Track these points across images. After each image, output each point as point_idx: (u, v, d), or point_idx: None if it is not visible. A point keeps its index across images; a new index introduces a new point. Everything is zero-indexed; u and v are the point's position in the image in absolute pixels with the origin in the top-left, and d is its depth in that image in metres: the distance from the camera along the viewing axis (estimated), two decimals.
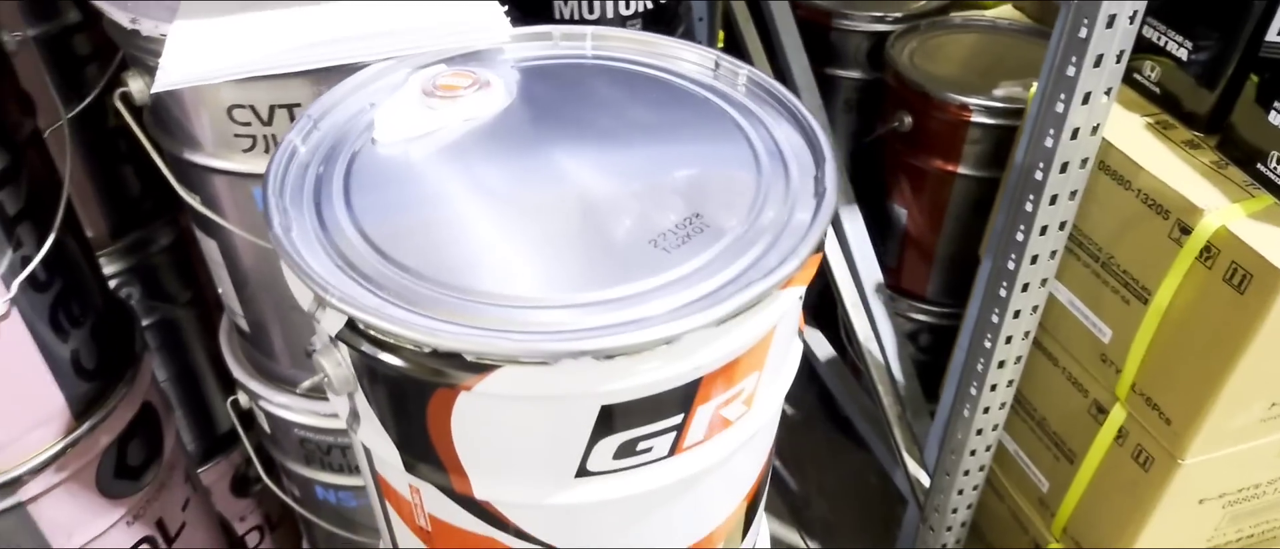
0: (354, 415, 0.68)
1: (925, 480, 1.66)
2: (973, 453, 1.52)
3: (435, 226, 0.65)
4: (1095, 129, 1.16)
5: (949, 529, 1.64)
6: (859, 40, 1.96)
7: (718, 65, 0.79)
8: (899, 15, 1.92)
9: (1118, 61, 1.10)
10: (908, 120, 1.74)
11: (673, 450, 0.64)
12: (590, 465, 0.62)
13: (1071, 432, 1.47)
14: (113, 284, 1.41)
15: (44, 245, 1.02)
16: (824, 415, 2.29)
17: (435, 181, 0.69)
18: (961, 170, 1.71)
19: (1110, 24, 1.06)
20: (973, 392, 1.45)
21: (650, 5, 1.78)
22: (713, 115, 0.74)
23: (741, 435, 0.67)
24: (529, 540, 0.68)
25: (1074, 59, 1.10)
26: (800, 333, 0.73)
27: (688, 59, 0.81)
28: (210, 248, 1.10)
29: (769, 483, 0.86)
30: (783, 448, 2.26)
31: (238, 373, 1.21)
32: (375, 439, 0.67)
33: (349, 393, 0.65)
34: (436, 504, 0.68)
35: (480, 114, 0.75)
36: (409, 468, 0.66)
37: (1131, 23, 1.07)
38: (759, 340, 0.62)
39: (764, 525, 0.99)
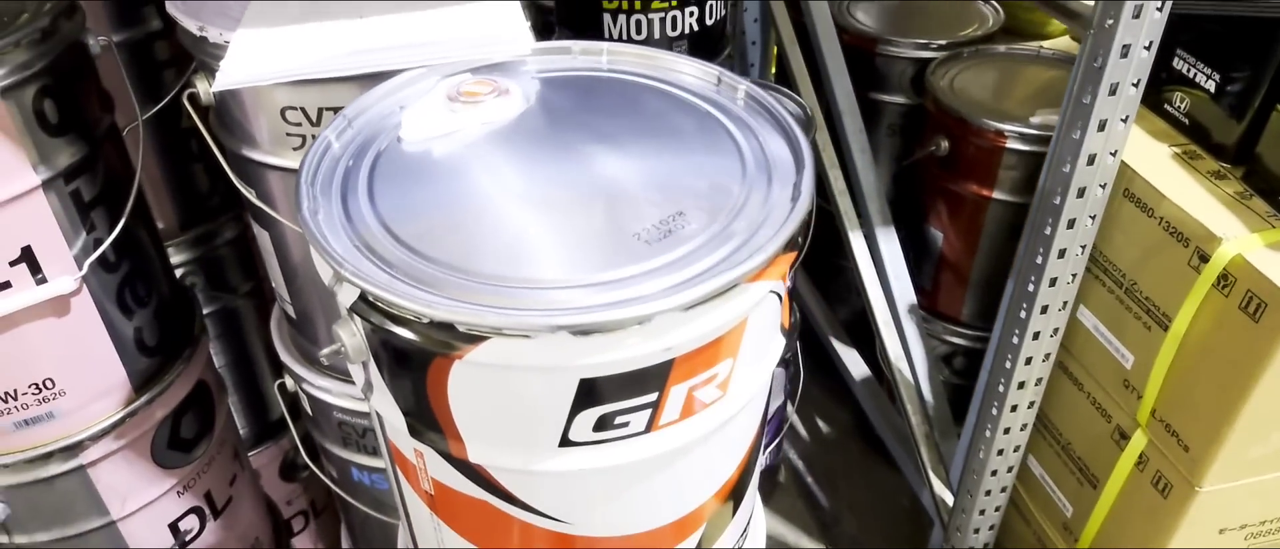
0: (368, 385, 0.75)
1: (950, 499, 1.68)
2: (994, 473, 1.54)
3: (444, 215, 0.72)
4: (1113, 155, 1.19)
5: None
6: (903, 66, 1.99)
7: (720, 80, 0.86)
8: (943, 42, 1.95)
9: (1134, 88, 1.13)
10: (944, 144, 1.77)
11: (649, 427, 0.70)
12: (572, 436, 0.69)
13: (1095, 457, 1.49)
14: (179, 272, 1.52)
15: (114, 229, 1.12)
16: (859, 435, 2.32)
17: (449, 176, 0.76)
18: (996, 195, 1.73)
19: (1125, 53, 1.09)
20: (994, 412, 1.47)
21: (696, 28, 1.84)
22: (709, 125, 0.81)
23: (717, 418, 0.73)
24: (518, 505, 0.74)
25: (1090, 87, 1.13)
26: (784, 329, 0.78)
27: (692, 74, 0.87)
28: (263, 239, 1.19)
29: (756, 476, 0.91)
30: (815, 464, 2.29)
31: (284, 357, 1.30)
32: (385, 406, 0.74)
33: (363, 363, 0.72)
34: (438, 468, 0.75)
35: (498, 118, 0.82)
36: (413, 433, 0.74)
37: (1147, 52, 1.10)
38: (731, 328, 0.68)
39: (760, 527, 1.04)
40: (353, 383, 1.22)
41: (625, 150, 0.78)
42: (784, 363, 1.97)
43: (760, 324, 0.72)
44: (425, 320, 0.64)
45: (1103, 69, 1.10)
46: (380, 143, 0.80)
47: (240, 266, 1.62)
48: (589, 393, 0.66)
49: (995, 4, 2.12)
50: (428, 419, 0.71)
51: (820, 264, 2.33)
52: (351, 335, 0.70)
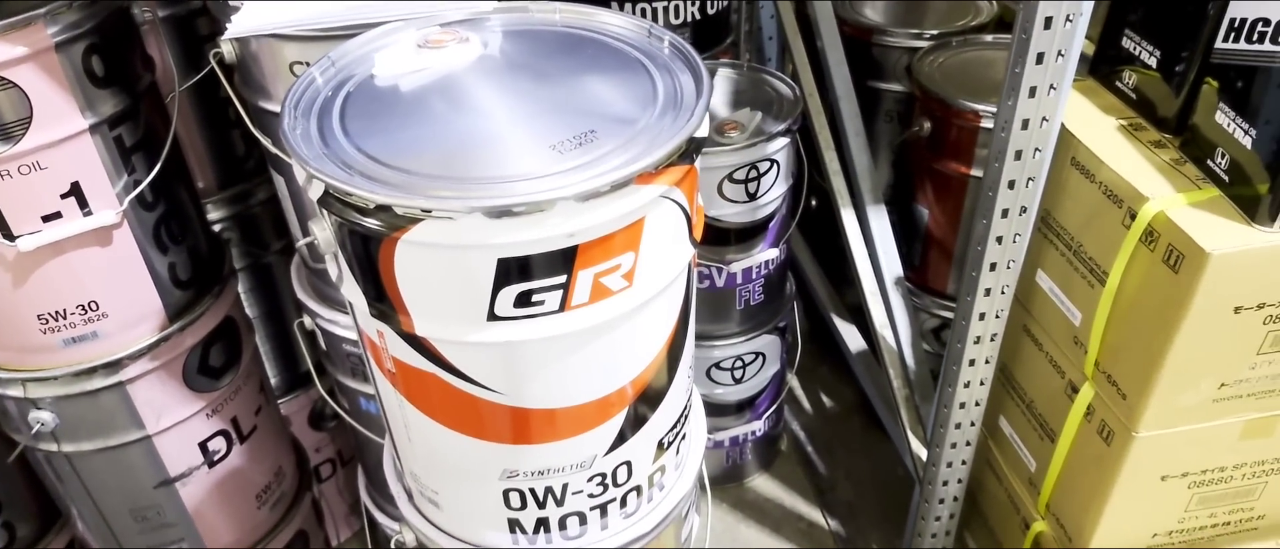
0: (340, 276, 0.91)
1: (925, 456, 1.78)
2: (958, 426, 1.64)
3: (400, 131, 0.88)
4: (1045, 120, 1.29)
5: (942, 502, 1.76)
6: (899, 55, 2.10)
7: (650, 33, 1.00)
8: (935, 33, 2.06)
9: (1060, 57, 1.23)
10: (927, 125, 1.88)
11: (562, 306, 0.84)
12: (498, 311, 0.83)
13: (1052, 412, 1.58)
14: (217, 228, 1.69)
15: (151, 172, 1.29)
16: (861, 411, 2.42)
17: (408, 103, 0.92)
18: (974, 173, 1.84)
19: (1047, 25, 1.20)
20: (954, 368, 1.57)
21: (697, 16, 1.98)
22: (634, 67, 0.95)
23: (626, 306, 0.87)
24: (458, 375, 0.89)
25: (1021, 57, 1.24)
26: (692, 240, 0.92)
27: (628, 27, 1.02)
28: (280, 184, 1.35)
29: (680, 384, 1.04)
30: (816, 435, 2.39)
31: (301, 295, 1.46)
32: (353, 293, 0.90)
33: (333, 254, 0.88)
34: (395, 346, 0.90)
35: (458, 61, 0.98)
36: (375, 313, 0.89)
37: (1069, 24, 1.20)
38: (629, 223, 0.82)
39: (696, 446, 1.16)
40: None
41: (557, 85, 0.93)
42: (779, 331, 2.09)
43: (661, 226, 0.85)
44: (372, 205, 0.79)
45: (1028, 40, 1.21)
46: (356, 79, 0.96)
47: (273, 225, 1.79)
48: (508, 271, 0.81)
49: None
50: (383, 298, 0.86)
51: (827, 248, 2.44)
52: (322, 228, 0.85)
